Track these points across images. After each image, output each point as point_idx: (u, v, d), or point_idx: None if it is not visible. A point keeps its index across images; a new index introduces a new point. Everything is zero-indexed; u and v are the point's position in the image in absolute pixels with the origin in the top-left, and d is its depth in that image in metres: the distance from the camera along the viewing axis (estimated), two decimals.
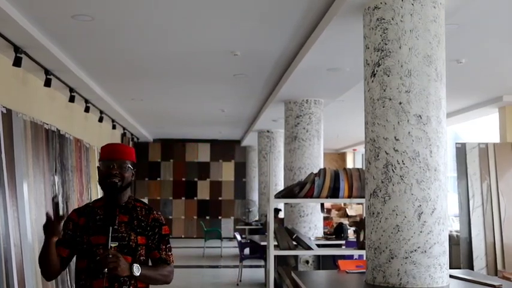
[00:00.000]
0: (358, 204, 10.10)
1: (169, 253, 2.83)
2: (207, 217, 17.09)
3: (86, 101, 8.87)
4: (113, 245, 2.66)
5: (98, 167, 2.81)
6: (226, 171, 17.42)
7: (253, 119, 12.14)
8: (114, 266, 2.58)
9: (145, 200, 16.75)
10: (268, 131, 12.66)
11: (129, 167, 2.80)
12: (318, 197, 5.08)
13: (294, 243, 5.47)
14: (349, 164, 18.75)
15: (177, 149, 17.27)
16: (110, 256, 2.59)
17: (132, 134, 14.33)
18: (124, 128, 12.94)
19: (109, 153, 2.81)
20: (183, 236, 16.87)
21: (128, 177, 2.80)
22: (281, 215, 11.21)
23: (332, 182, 5.07)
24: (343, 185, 5.06)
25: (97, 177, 2.85)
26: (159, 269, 2.78)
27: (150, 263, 2.82)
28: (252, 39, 5.97)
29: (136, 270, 2.65)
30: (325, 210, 9.23)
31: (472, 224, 7.75)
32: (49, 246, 2.73)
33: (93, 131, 10.30)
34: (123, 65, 7.21)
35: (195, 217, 17.12)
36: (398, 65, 3.87)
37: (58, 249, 2.76)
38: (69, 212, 2.90)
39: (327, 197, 5.11)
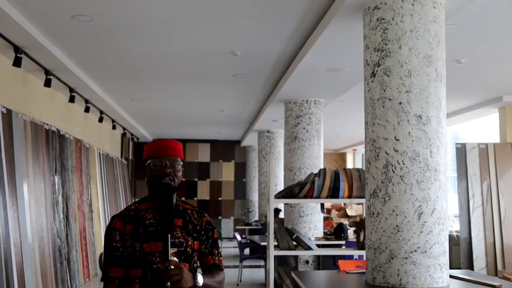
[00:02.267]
0: (358, 204, 10.10)
1: (221, 258, 2.64)
2: None
3: (86, 101, 8.87)
4: (172, 252, 2.39)
5: (146, 165, 2.51)
6: (226, 172, 17.43)
7: (253, 119, 12.14)
8: (177, 278, 2.30)
9: None
10: (268, 131, 12.66)
11: (181, 165, 2.55)
12: (318, 197, 5.08)
13: (294, 243, 5.47)
14: (349, 164, 18.74)
15: None
16: (172, 268, 2.31)
17: (132, 134, 14.33)
18: (124, 128, 12.94)
19: (160, 150, 2.52)
20: None
21: (180, 177, 2.54)
22: (281, 215, 11.22)
23: (332, 182, 5.07)
24: (343, 185, 5.06)
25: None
26: (215, 276, 2.55)
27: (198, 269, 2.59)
28: (252, 39, 5.97)
29: (200, 280, 2.40)
30: (325, 210, 9.24)
31: (472, 224, 7.75)
32: None
33: (93, 131, 10.31)
34: (123, 65, 7.21)
35: None
36: (399, 65, 3.87)
37: (111, 271, 2.44)
38: (110, 220, 2.54)
39: (327, 197, 5.11)
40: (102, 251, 2.53)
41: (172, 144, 2.55)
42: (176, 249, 2.43)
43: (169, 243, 2.36)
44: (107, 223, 2.65)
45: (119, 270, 2.44)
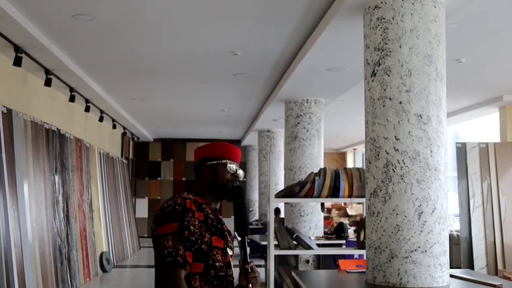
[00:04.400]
0: (359, 203, 10.10)
1: None
2: None
3: (86, 101, 8.87)
4: (229, 252, 2.36)
5: (218, 163, 2.45)
6: None
7: (253, 119, 12.14)
8: (256, 281, 2.27)
9: (146, 200, 16.79)
10: (268, 131, 12.66)
11: None
12: (318, 196, 5.08)
13: (295, 242, 5.47)
14: (350, 164, 18.74)
15: (178, 148, 17.27)
16: (251, 271, 2.26)
17: (132, 134, 14.33)
18: (124, 128, 12.94)
19: (237, 156, 2.53)
20: None
21: None
22: (281, 214, 11.22)
23: (332, 182, 5.07)
24: (344, 185, 5.06)
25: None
26: None
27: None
28: (252, 39, 5.97)
29: None
30: (325, 209, 9.23)
31: (472, 224, 7.75)
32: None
33: (94, 130, 10.31)
34: (124, 64, 7.21)
35: None
36: (399, 65, 3.87)
37: (189, 256, 2.19)
38: (180, 201, 2.27)
39: (327, 197, 5.11)
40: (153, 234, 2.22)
41: (239, 151, 2.57)
42: (232, 252, 2.40)
43: (246, 246, 2.30)
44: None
45: (198, 264, 2.23)
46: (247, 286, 2.25)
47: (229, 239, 2.41)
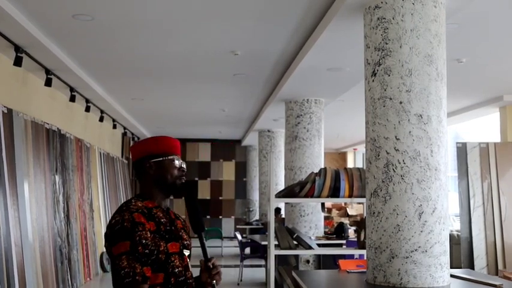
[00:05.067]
0: (359, 203, 10.09)
1: None
2: (208, 217, 17.08)
3: (87, 101, 8.87)
4: (186, 254, 2.30)
5: (163, 160, 2.32)
6: (226, 171, 17.43)
7: (253, 119, 12.14)
8: (219, 277, 2.24)
9: None
10: (268, 131, 12.66)
11: None
12: (319, 196, 5.08)
13: (295, 242, 5.47)
14: (350, 164, 18.74)
15: None
16: (212, 267, 2.23)
17: (132, 134, 14.33)
18: (124, 128, 12.94)
19: (177, 148, 2.39)
20: None
21: None
22: (282, 214, 11.22)
23: (333, 182, 5.07)
24: (344, 185, 5.06)
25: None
26: None
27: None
28: (252, 39, 5.97)
29: None
30: (325, 209, 9.23)
31: (472, 224, 7.75)
32: None
33: (94, 130, 10.31)
34: (124, 64, 7.21)
35: None
36: (399, 65, 3.87)
37: (147, 271, 2.14)
38: (127, 216, 2.19)
39: (327, 197, 5.11)
40: (108, 250, 2.21)
41: (179, 143, 2.44)
42: (189, 251, 2.34)
43: (204, 242, 2.26)
44: (107, 222, 2.32)
45: (148, 270, 2.15)
46: (211, 283, 2.22)
47: (184, 237, 2.35)
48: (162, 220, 2.26)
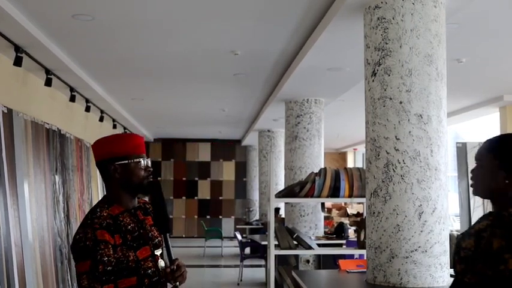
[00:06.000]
0: (359, 203, 10.10)
1: None
2: (208, 216, 17.09)
3: (87, 101, 8.87)
4: (157, 253, 2.32)
5: (128, 163, 2.27)
6: (226, 171, 17.43)
7: (253, 119, 12.14)
8: (183, 278, 2.23)
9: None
10: (268, 131, 12.66)
11: None
12: (319, 196, 5.09)
13: (295, 242, 5.47)
14: (350, 164, 18.74)
15: (178, 148, 17.28)
16: (174, 268, 2.21)
17: None
18: (125, 128, 12.94)
19: (141, 147, 2.33)
20: (183, 236, 16.88)
21: None
22: (282, 214, 11.21)
23: (333, 182, 5.07)
24: (344, 185, 5.06)
25: (116, 175, 2.28)
26: None
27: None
28: (252, 39, 5.96)
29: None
30: (325, 209, 9.23)
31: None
32: None
33: (94, 130, 10.31)
34: (124, 64, 7.21)
35: (196, 217, 17.13)
36: (399, 65, 3.87)
37: None
38: (90, 233, 2.17)
39: (327, 197, 5.12)
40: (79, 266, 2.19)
41: (143, 140, 2.38)
42: (160, 250, 2.34)
43: (169, 244, 2.24)
44: (78, 236, 2.23)
45: (109, 286, 2.16)
46: (175, 285, 2.22)
47: (155, 234, 2.34)
48: (130, 227, 2.25)
